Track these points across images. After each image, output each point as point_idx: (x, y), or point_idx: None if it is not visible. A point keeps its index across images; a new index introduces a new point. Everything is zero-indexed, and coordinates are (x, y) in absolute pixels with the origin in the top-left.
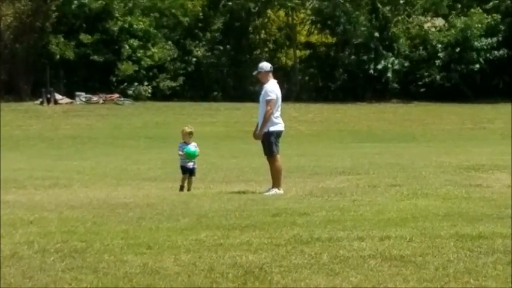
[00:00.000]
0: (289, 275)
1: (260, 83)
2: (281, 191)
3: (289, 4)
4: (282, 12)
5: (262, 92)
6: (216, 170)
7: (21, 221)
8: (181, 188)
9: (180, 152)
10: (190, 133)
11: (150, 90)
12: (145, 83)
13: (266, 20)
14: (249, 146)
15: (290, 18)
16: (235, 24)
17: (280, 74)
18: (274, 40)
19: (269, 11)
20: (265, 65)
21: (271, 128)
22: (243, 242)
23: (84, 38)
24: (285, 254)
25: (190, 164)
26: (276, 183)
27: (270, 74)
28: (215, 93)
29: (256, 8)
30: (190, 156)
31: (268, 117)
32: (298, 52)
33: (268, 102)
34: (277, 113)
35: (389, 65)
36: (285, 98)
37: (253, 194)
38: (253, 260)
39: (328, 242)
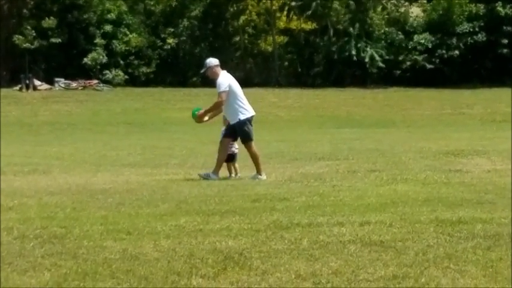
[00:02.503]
0: (269, 260)
1: (211, 79)
2: (263, 177)
3: None
4: None
5: (217, 87)
6: (195, 156)
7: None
8: (236, 173)
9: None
10: None
11: (123, 77)
12: (119, 69)
13: (245, 6)
14: None
15: (269, 4)
16: (213, 10)
17: (260, 59)
18: (253, 26)
19: None
20: (212, 61)
21: (243, 117)
22: (222, 227)
23: (55, 21)
24: (265, 239)
25: (233, 150)
26: (257, 169)
27: (218, 68)
28: (194, 78)
29: None
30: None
31: (217, 107)
32: (277, 38)
33: (219, 94)
34: (244, 101)
35: (369, 51)
36: (264, 83)
37: (233, 180)
38: (233, 246)
39: (308, 227)
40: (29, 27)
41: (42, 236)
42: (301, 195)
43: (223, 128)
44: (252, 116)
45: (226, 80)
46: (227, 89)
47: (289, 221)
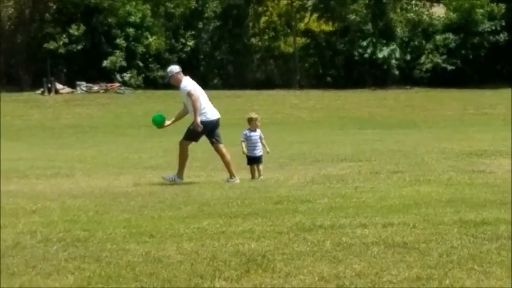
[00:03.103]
0: (292, 262)
1: (175, 86)
2: (181, 180)
3: None
4: (283, 1)
5: (181, 92)
6: (217, 158)
7: (23, 210)
8: (259, 176)
9: (242, 139)
10: (257, 119)
11: (141, 80)
12: (138, 72)
13: (265, 8)
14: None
15: (290, 6)
16: (232, 12)
17: (280, 61)
18: (273, 27)
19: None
20: (173, 68)
21: (202, 118)
22: (245, 229)
23: (83, 28)
24: (288, 241)
25: (256, 152)
26: (179, 171)
27: (181, 74)
28: (215, 81)
29: None
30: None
31: (198, 105)
32: (298, 39)
33: (189, 94)
34: (207, 104)
35: (390, 51)
36: (286, 85)
37: (255, 182)
38: (256, 248)
39: (331, 229)
40: (56, 32)
41: (66, 239)
42: (323, 196)
43: (244, 131)
44: (216, 119)
45: (190, 83)
46: (192, 87)
47: (312, 222)
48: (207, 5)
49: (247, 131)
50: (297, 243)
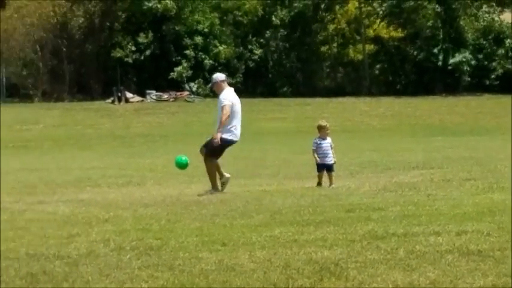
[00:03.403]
0: (365, 270)
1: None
2: (216, 192)
3: None
4: (351, 6)
5: (218, 101)
6: (288, 166)
7: (96, 219)
8: (319, 184)
9: (314, 148)
10: (325, 127)
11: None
12: (206, 82)
13: (334, 16)
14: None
15: (359, 13)
16: (301, 20)
17: (350, 68)
18: (342, 34)
19: (337, 6)
20: (219, 76)
21: (226, 136)
22: (317, 238)
23: (151, 36)
24: (361, 249)
25: (327, 160)
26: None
27: (225, 83)
28: (284, 89)
29: (324, 3)
30: (179, 166)
31: (225, 121)
32: (367, 46)
33: (222, 107)
34: (235, 122)
35: (460, 58)
36: (355, 92)
37: (326, 190)
38: (329, 256)
39: (404, 237)
40: (126, 41)
41: (139, 248)
42: (395, 204)
43: (315, 139)
44: (235, 141)
45: (230, 96)
46: (230, 102)
47: (385, 230)
48: (275, 13)
49: (317, 139)
50: (370, 251)
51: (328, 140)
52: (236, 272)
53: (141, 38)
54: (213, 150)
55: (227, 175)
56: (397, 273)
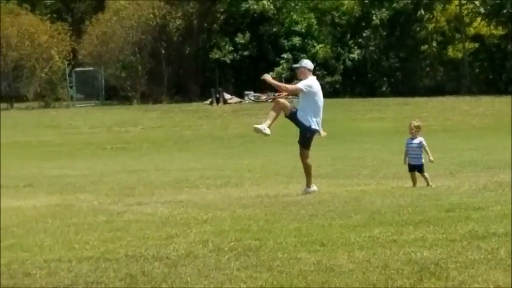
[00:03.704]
0: (465, 270)
1: (299, 79)
2: (313, 188)
3: None
4: (452, 5)
5: (304, 88)
6: (386, 166)
7: (194, 220)
8: (414, 185)
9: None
10: (419, 127)
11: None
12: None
13: (433, 14)
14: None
15: (459, 11)
16: (399, 19)
17: (449, 67)
18: (442, 33)
19: (437, 4)
20: (309, 63)
21: (314, 127)
22: (417, 238)
23: (248, 37)
24: (461, 249)
25: (413, 161)
26: (308, 182)
27: (310, 72)
28: (383, 88)
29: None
30: None
31: (285, 88)
32: (467, 45)
33: (299, 86)
34: (321, 114)
35: None
36: (455, 91)
37: (426, 189)
38: (429, 256)
39: (505, 236)
40: (224, 42)
41: (237, 249)
42: (496, 204)
43: (407, 139)
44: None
45: (313, 83)
46: (309, 89)
47: (485, 230)
48: (373, 12)
49: (408, 139)
50: (470, 251)
51: (418, 139)
52: (335, 272)
53: (239, 39)
54: (307, 140)
55: (314, 188)
56: (498, 274)
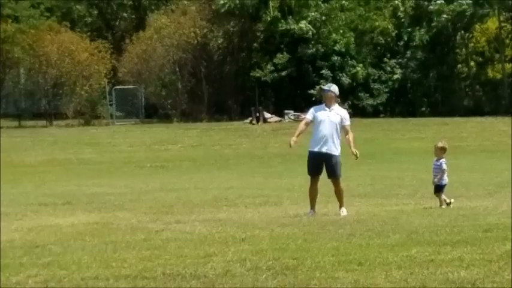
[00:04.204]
0: None
1: (326, 103)
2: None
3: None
4: (491, 25)
5: (343, 116)
6: (426, 186)
7: (233, 238)
8: (441, 205)
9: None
10: (443, 148)
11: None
12: (344, 101)
13: (472, 34)
14: (458, 161)
15: (499, 31)
16: (441, 38)
17: (488, 88)
18: (481, 53)
19: (477, 25)
20: (336, 88)
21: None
22: (454, 257)
23: (287, 56)
24: (498, 269)
25: (435, 181)
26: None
27: (337, 99)
28: (423, 108)
29: (464, 22)
30: None
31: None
32: (506, 65)
33: (347, 125)
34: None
35: None
36: (494, 112)
37: (464, 210)
38: (465, 276)
39: None
40: (264, 61)
41: (275, 268)
42: None
43: (435, 159)
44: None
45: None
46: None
47: None
48: (414, 33)
49: (435, 160)
50: (507, 271)
51: (440, 160)
52: None
53: (278, 59)
54: (340, 167)
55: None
56: None
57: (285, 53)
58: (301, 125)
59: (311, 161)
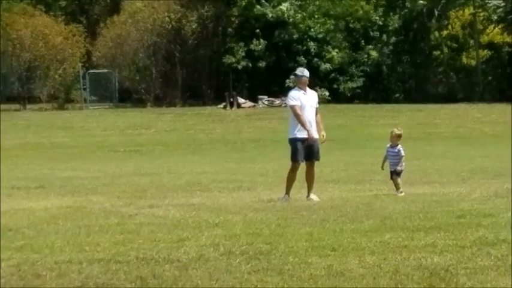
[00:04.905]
0: (475, 277)
1: (301, 87)
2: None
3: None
4: (466, 12)
5: (316, 99)
6: None
7: (206, 223)
8: (398, 189)
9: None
10: (399, 136)
11: (326, 95)
12: (320, 86)
13: (447, 21)
14: (432, 148)
15: (473, 18)
16: (414, 24)
17: (462, 74)
18: (455, 40)
19: (452, 11)
20: (308, 72)
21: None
22: (427, 243)
23: (263, 42)
24: (471, 255)
25: (393, 168)
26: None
27: None
28: (397, 95)
29: (438, 8)
30: None
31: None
32: (480, 52)
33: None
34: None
35: None
36: (468, 99)
37: (437, 196)
38: (439, 262)
39: None
40: (239, 47)
41: (248, 252)
42: (507, 211)
43: (388, 146)
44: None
45: None
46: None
47: (495, 237)
48: (388, 19)
49: (388, 146)
50: (480, 257)
51: (397, 148)
52: (345, 277)
53: (254, 44)
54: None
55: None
56: (507, 280)
57: (260, 39)
58: (301, 112)
59: (298, 147)
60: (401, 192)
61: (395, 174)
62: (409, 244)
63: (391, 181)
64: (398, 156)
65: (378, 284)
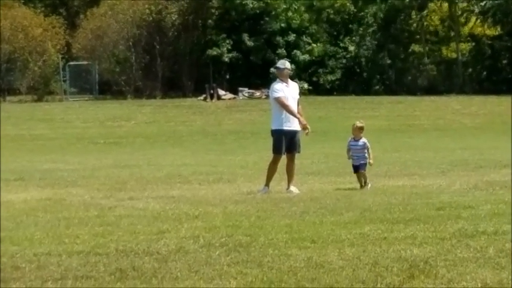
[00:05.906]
0: (454, 268)
1: (283, 79)
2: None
3: None
4: (445, 4)
5: (297, 90)
6: (378, 164)
7: (186, 215)
8: (365, 182)
9: (347, 148)
10: (362, 128)
11: (306, 86)
12: (300, 78)
13: (427, 13)
14: (412, 140)
15: (453, 10)
16: (394, 16)
17: (443, 67)
18: (435, 32)
19: (431, 4)
20: (290, 65)
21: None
22: (407, 235)
23: (244, 36)
24: (450, 247)
25: (357, 162)
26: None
27: None
28: (377, 87)
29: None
30: None
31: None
32: (460, 45)
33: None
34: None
35: None
36: (448, 91)
37: (417, 188)
38: (418, 254)
39: (494, 235)
40: (219, 39)
41: (228, 244)
42: (486, 203)
43: (349, 139)
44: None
45: None
46: None
47: (475, 229)
48: (366, 10)
49: (351, 140)
50: (459, 249)
51: (361, 141)
52: (325, 269)
53: (234, 36)
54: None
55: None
56: (486, 272)
57: (242, 29)
58: (288, 103)
59: (281, 139)
60: (368, 184)
61: (360, 168)
62: (389, 236)
63: (356, 175)
64: (363, 150)
65: (358, 276)
